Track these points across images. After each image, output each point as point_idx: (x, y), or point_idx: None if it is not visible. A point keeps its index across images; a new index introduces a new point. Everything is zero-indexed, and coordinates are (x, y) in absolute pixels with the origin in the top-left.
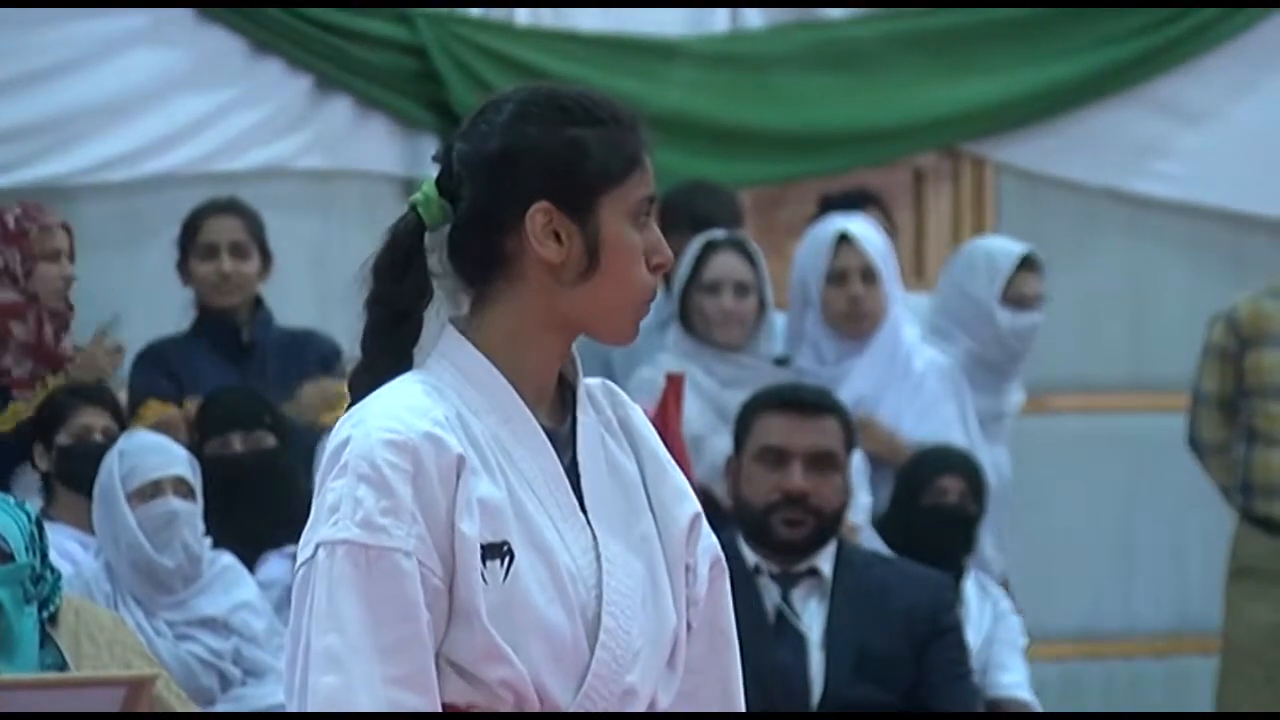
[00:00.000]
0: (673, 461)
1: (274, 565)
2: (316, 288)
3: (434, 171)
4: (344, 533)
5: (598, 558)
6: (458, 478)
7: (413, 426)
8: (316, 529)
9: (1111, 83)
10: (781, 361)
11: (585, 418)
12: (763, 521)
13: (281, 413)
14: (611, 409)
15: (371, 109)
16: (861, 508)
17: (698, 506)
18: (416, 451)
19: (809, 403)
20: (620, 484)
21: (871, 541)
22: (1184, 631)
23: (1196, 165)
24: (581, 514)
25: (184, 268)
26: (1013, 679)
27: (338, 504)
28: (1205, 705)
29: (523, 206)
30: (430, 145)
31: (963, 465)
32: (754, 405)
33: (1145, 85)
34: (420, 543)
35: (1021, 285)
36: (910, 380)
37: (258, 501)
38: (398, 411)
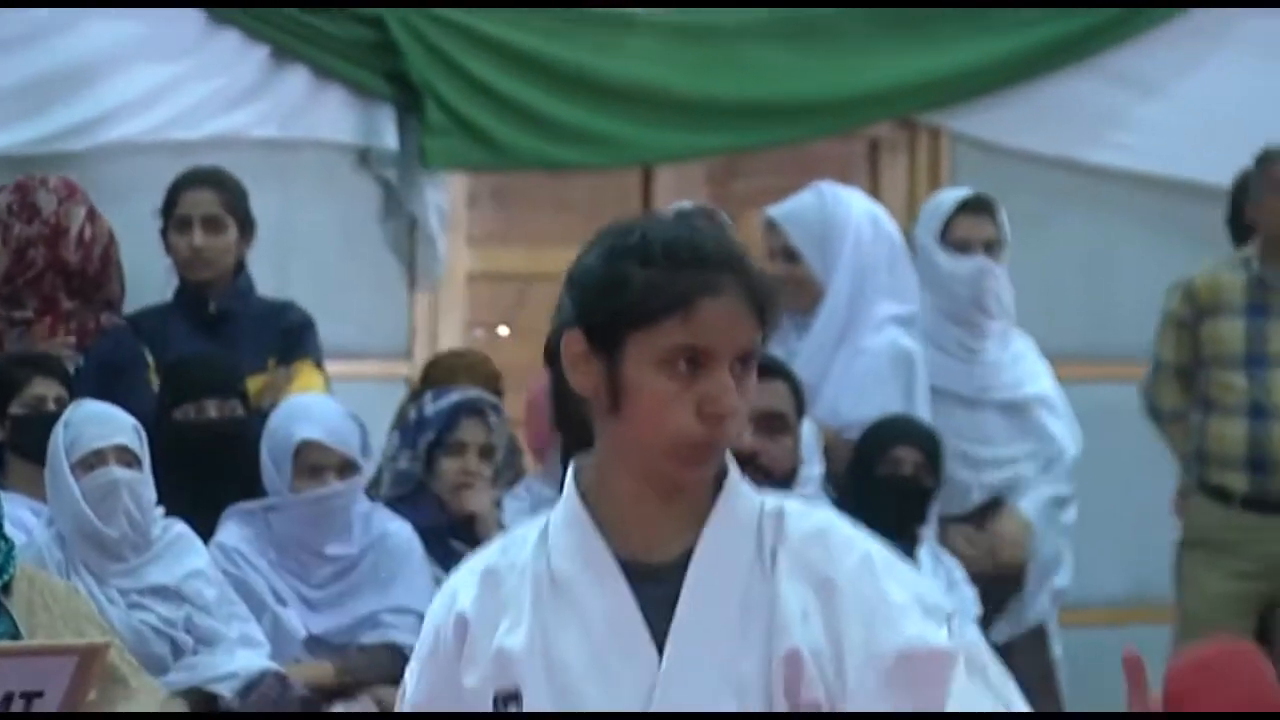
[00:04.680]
0: (861, 604)
1: (231, 530)
2: (272, 256)
3: (391, 141)
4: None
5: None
6: (465, 634)
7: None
8: None
9: (1067, 54)
10: None
11: (708, 545)
12: None
13: (245, 384)
14: (773, 535)
15: (328, 79)
16: (812, 479)
17: (809, 650)
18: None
19: (758, 366)
20: (746, 620)
21: None
22: (1139, 600)
23: (1153, 136)
24: (655, 652)
25: (165, 238)
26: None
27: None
28: (1159, 675)
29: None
30: (386, 116)
31: (919, 436)
32: None
33: (1101, 56)
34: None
35: (963, 229)
36: (858, 359)
37: (225, 469)
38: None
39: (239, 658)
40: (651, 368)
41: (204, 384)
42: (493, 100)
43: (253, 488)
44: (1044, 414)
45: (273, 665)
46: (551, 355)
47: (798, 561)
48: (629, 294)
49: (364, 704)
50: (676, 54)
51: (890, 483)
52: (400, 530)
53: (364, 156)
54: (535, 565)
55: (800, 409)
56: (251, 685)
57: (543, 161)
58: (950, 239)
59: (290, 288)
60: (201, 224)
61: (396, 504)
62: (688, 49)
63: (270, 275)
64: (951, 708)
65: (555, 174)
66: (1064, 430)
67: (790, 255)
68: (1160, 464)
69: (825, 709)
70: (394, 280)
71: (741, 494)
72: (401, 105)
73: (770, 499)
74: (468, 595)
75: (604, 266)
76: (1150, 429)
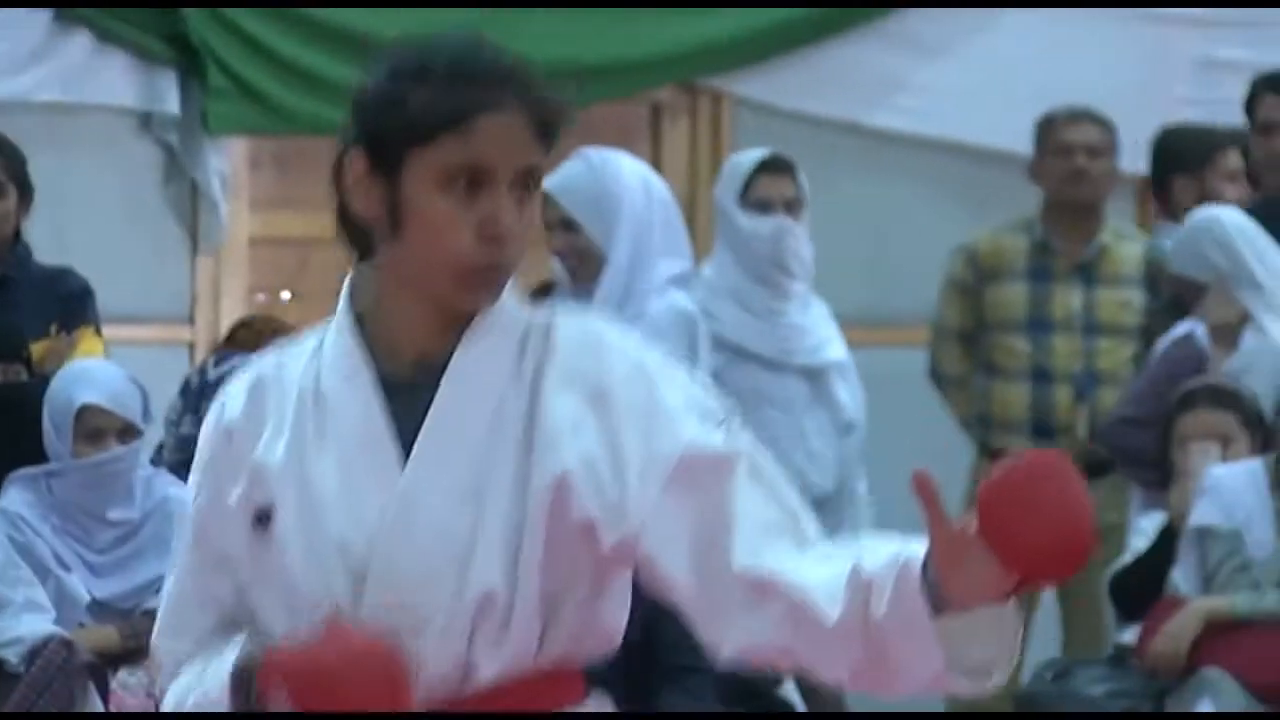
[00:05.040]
0: (631, 428)
1: (13, 495)
2: (53, 221)
3: (172, 105)
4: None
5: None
6: (230, 444)
7: (232, 388)
8: None
9: (849, 17)
10: (545, 291)
11: (463, 358)
12: None
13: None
14: (540, 348)
15: (110, 43)
16: None
17: (581, 463)
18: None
19: None
20: (498, 432)
21: None
22: None
23: (935, 99)
24: (401, 467)
25: None
26: None
27: None
28: None
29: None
30: (168, 80)
31: None
32: None
33: (883, 20)
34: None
35: (763, 188)
36: (641, 324)
37: (7, 434)
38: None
39: (24, 623)
40: (431, 187)
41: None
42: (274, 65)
43: (38, 453)
44: (838, 381)
45: (58, 630)
46: (337, 177)
47: (568, 372)
48: (408, 111)
49: (149, 668)
50: (456, 18)
51: None
52: (182, 495)
53: (146, 121)
54: (303, 379)
55: None
56: (36, 650)
57: (324, 126)
58: (750, 199)
59: (71, 252)
60: None
61: (179, 469)
62: (467, 13)
63: (51, 240)
64: (736, 508)
65: (336, 138)
66: (852, 399)
67: (569, 226)
68: (944, 428)
69: (598, 524)
70: (176, 245)
71: (507, 308)
72: (183, 70)
73: (543, 312)
74: (235, 405)
75: (385, 84)
76: (933, 393)
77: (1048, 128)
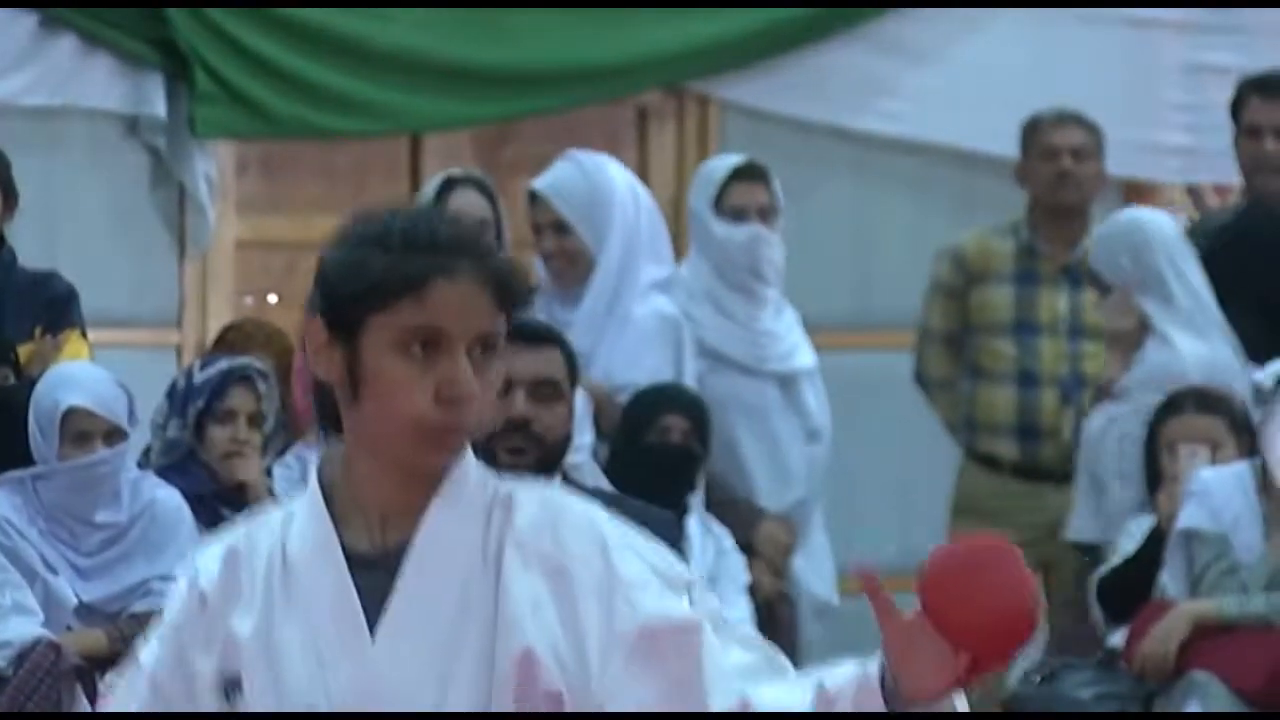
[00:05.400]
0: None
1: (0, 499)
2: (40, 225)
3: (159, 109)
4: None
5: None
6: (204, 612)
7: (205, 556)
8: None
9: (837, 21)
10: None
11: (428, 533)
12: (487, 450)
13: (16, 351)
14: (500, 526)
15: (97, 47)
16: (583, 447)
17: (543, 641)
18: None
19: (531, 332)
20: (464, 609)
21: (596, 479)
22: (909, 570)
23: (922, 104)
24: (371, 643)
25: None
26: (736, 615)
27: None
28: None
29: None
30: (155, 84)
31: (687, 404)
32: None
33: (871, 24)
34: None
35: (737, 196)
36: (628, 326)
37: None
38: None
39: (12, 625)
40: (388, 351)
41: None
42: (261, 69)
43: (23, 456)
44: (808, 388)
45: (45, 633)
46: (303, 347)
47: (528, 552)
48: (365, 278)
49: None
50: (443, 22)
51: (659, 451)
52: (169, 498)
53: (133, 125)
54: (273, 551)
55: (574, 377)
56: (24, 653)
57: (311, 130)
58: (725, 206)
59: (57, 256)
60: None
61: (166, 472)
62: (455, 17)
63: (38, 244)
64: (708, 667)
65: (323, 142)
66: (820, 407)
67: (561, 228)
68: (929, 431)
69: (567, 701)
70: (163, 249)
71: (469, 480)
72: (170, 73)
73: (504, 485)
74: (210, 573)
75: (345, 254)
76: (918, 397)
77: (1034, 131)
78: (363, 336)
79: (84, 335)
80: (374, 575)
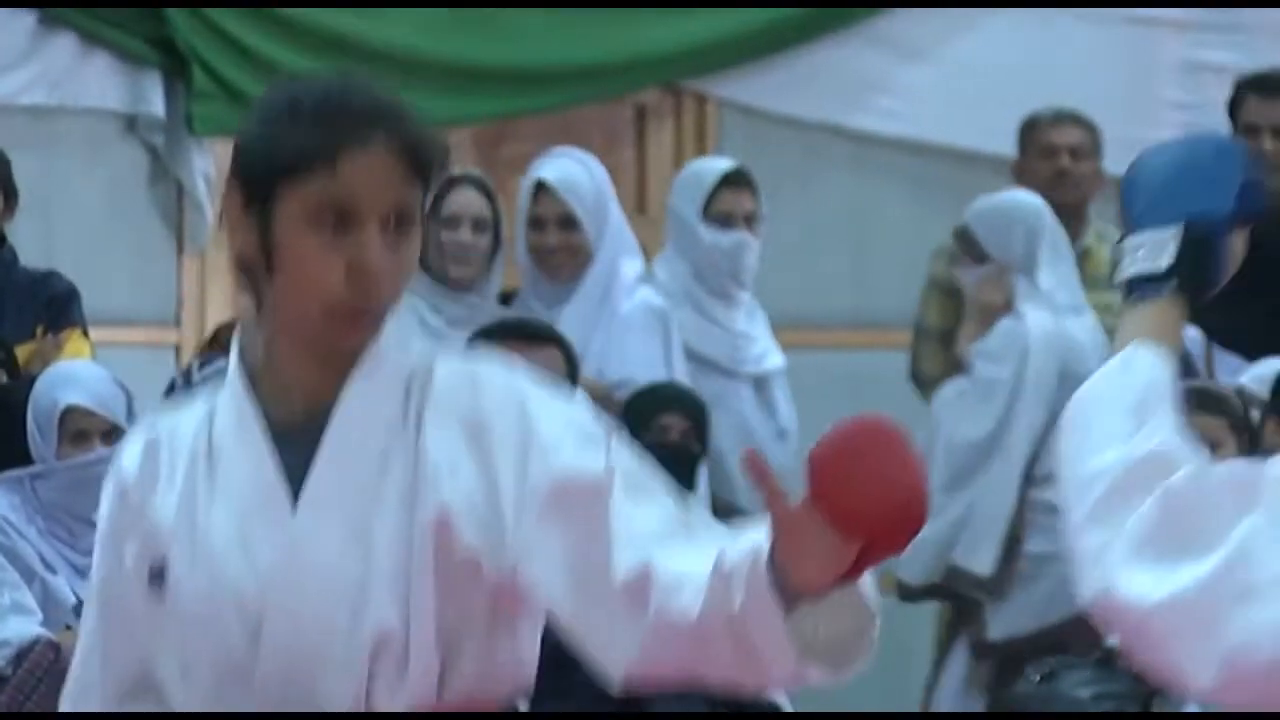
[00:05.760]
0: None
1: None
2: (39, 223)
3: (157, 107)
4: None
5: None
6: (126, 505)
7: (126, 450)
8: None
9: (833, 19)
10: (506, 299)
11: (347, 404)
12: None
13: (13, 350)
14: (420, 395)
15: (95, 45)
16: None
17: (460, 500)
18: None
19: (531, 332)
20: (384, 474)
21: None
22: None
23: (918, 102)
24: (291, 512)
25: None
26: None
27: None
28: (925, 644)
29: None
30: (153, 82)
31: (685, 403)
32: (478, 338)
33: (867, 21)
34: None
35: (725, 202)
36: (617, 321)
37: None
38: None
39: (11, 625)
40: (299, 224)
41: None
42: (259, 66)
43: (19, 455)
44: (779, 389)
45: (45, 632)
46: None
47: (446, 410)
48: (276, 147)
49: None
50: (441, 20)
51: (658, 451)
52: None
53: (131, 123)
54: (196, 435)
55: (574, 375)
56: (23, 653)
57: None
58: (712, 212)
59: (57, 255)
60: None
61: None
62: (452, 15)
63: (37, 242)
64: (613, 528)
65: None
66: (788, 408)
67: (569, 223)
68: (925, 431)
69: (482, 559)
70: (161, 247)
71: (391, 350)
72: (168, 71)
73: (427, 354)
74: (131, 466)
75: (258, 124)
76: (914, 395)
77: (1032, 129)
78: (275, 209)
79: (85, 334)
80: (297, 451)
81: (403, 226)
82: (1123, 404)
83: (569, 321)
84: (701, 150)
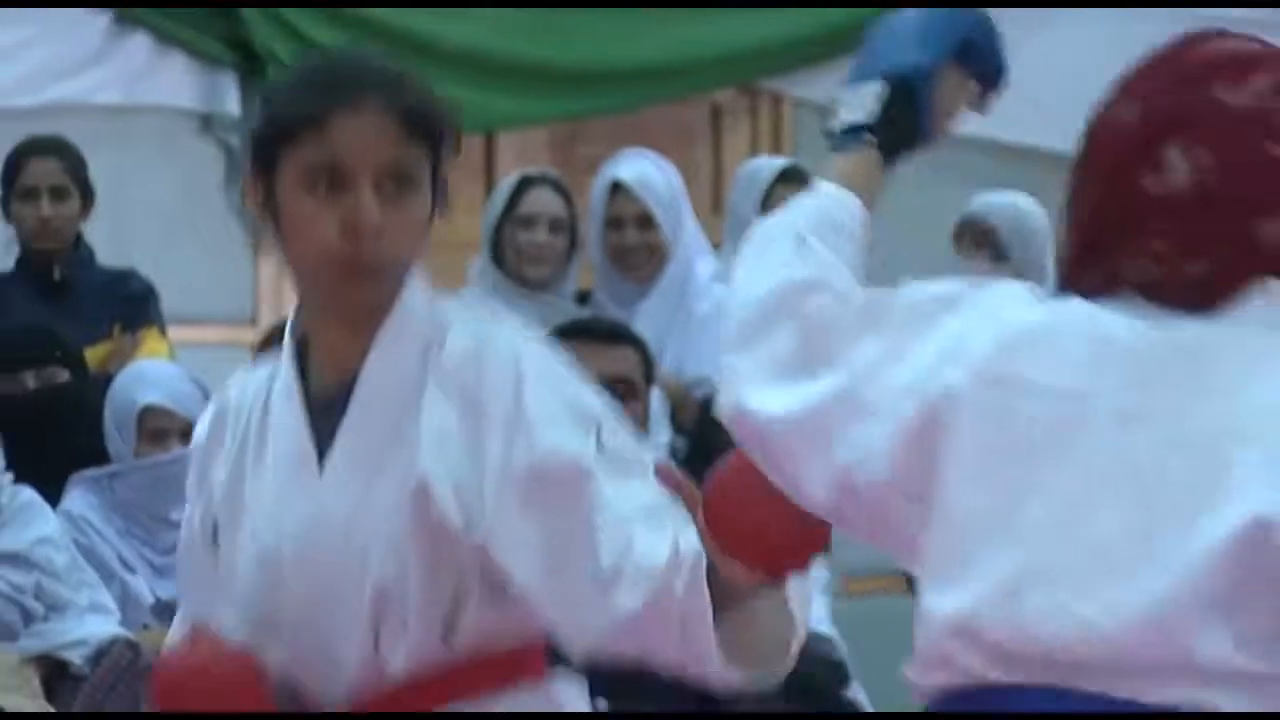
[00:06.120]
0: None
1: (77, 497)
2: (115, 223)
3: (233, 106)
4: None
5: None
6: (196, 466)
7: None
8: None
9: None
10: (583, 299)
11: (369, 371)
12: None
13: (75, 347)
14: (433, 363)
15: (170, 45)
16: (661, 445)
17: (443, 472)
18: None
19: (607, 331)
20: (393, 440)
21: None
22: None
23: (1000, 101)
24: (318, 477)
25: (6, 207)
26: (815, 615)
27: None
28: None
29: None
30: (228, 81)
31: None
32: (554, 337)
33: None
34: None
35: (782, 199)
36: (693, 321)
37: (57, 436)
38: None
39: (89, 624)
40: (297, 188)
41: (16, 356)
42: None
43: (87, 450)
44: None
45: (123, 632)
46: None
47: (450, 383)
48: (275, 116)
49: None
50: (516, 20)
51: (737, 445)
52: None
53: (206, 122)
54: (254, 402)
55: (649, 375)
56: (102, 652)
57: None
58: (770, 209)
59: (133, 254)
60: (49, 194)
61: None
62: (527, 15)
63: (113, 241)
64: (597, 520)
65: None
66: None
67: (646, 222)
68: None
69: (458, 531)
70: (237, 246)
71: (413, 315)
72: (243, 71)
73: (447, 315)
74: (202, 431)
75: (267, 97)
76: None
77: None
78: (277, 176)
79: (163, 333)
80: (329, 417)
81: (403, 185)
82: (792, 234)
83: (644, 321)
84: (777, 150)
